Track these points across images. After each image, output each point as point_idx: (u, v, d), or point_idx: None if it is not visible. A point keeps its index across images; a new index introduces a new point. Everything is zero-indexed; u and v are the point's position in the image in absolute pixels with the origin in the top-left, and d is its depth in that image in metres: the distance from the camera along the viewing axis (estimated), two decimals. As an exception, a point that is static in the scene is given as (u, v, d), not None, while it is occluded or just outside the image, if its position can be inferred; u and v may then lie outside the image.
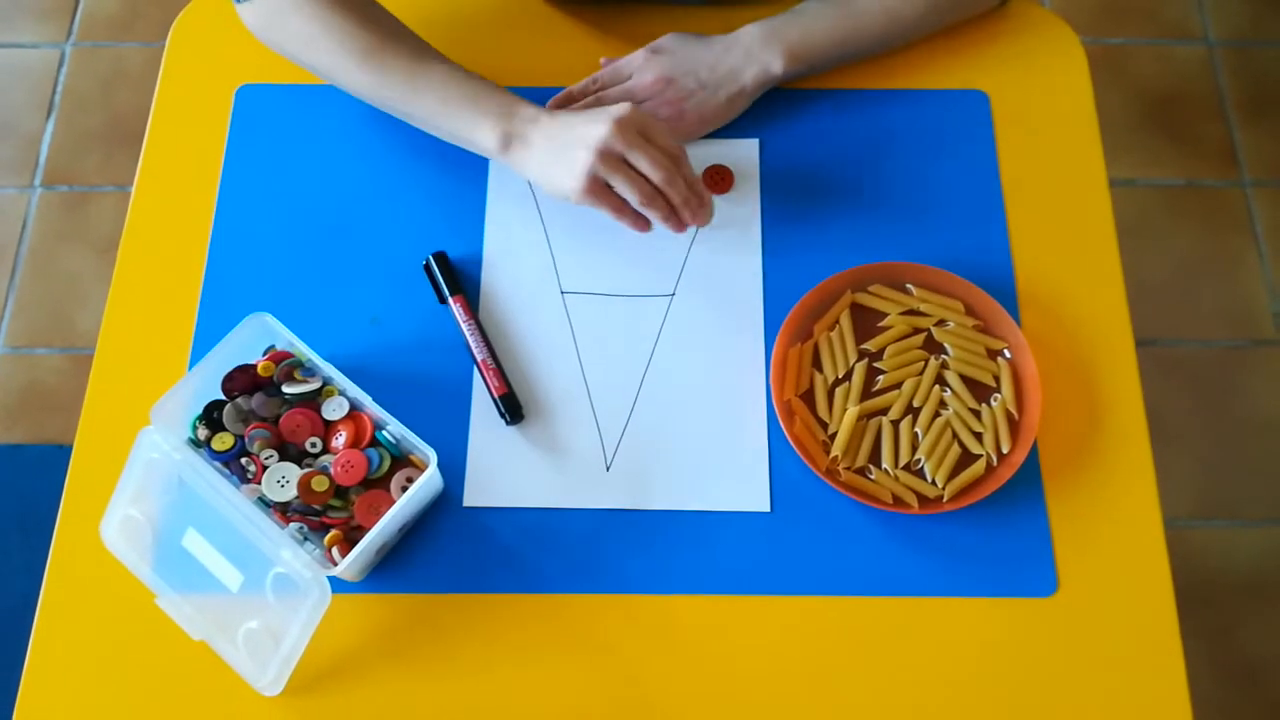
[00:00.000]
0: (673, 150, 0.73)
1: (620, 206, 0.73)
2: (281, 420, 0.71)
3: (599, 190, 0.72)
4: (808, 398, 0.75)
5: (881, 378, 0.75)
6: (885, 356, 0.75)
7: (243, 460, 0.70)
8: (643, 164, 0.71)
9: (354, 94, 0.78)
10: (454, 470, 0.73)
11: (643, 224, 0.75)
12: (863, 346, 0.76)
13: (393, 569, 0.70)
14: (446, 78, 0.75)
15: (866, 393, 0.75)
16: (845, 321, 0.76)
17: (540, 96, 0.82)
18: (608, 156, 0.70)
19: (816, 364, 0.76)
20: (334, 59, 0.76)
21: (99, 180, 1.58)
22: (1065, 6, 1.71)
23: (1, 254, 1.54)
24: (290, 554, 0.64)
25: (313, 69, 0.79)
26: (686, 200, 0.73)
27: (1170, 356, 1.48)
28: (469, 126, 0.74)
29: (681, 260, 0.79)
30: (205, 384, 0.71)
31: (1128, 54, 1.68)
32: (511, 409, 0.74)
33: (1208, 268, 1.54)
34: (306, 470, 0.70)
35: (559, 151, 0.72)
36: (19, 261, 1.53)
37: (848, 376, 0.75)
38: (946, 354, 0.76)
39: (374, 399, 0.70)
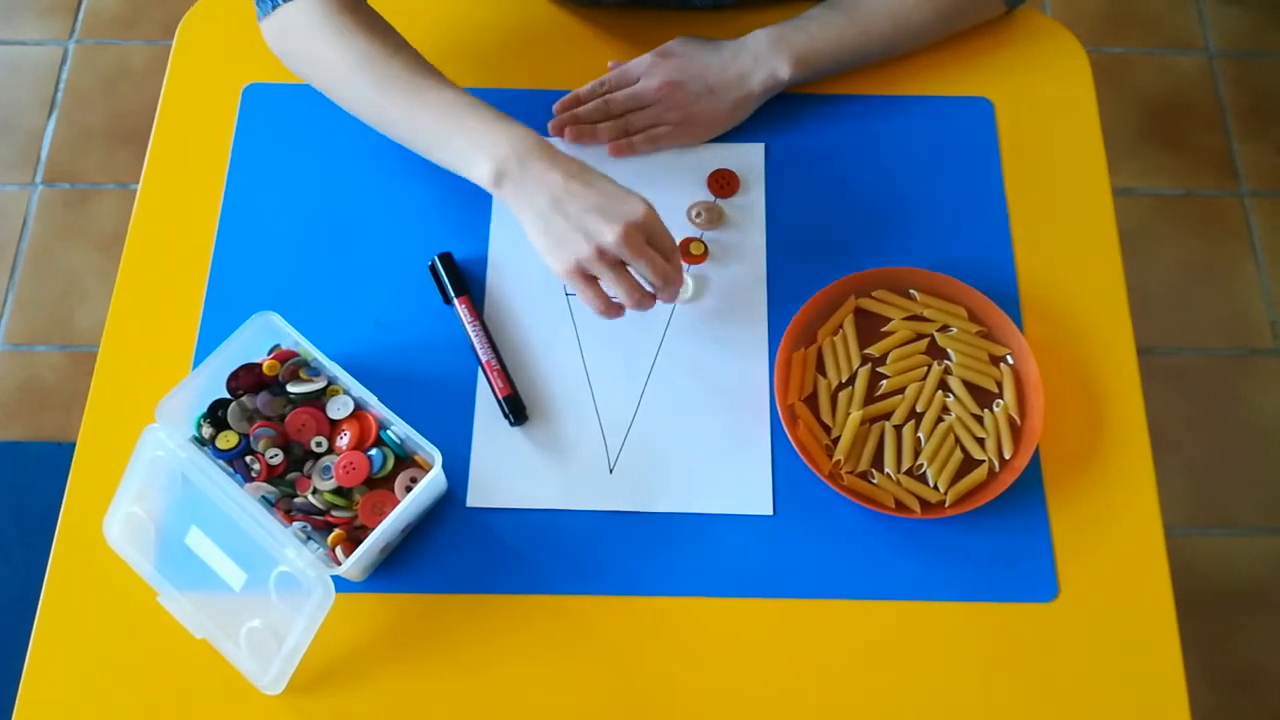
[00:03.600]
0: (669, 249, 0.70)
1: (599, 298, 0.70)
2: (286, 419, 0.72)
3: (584, 280, 0.69)
4: (811, 402, 0.75)
5: (885, 382, 0.75)
6: (888, 361, 0.76)
7: (247, 459, 0.70)
8: (641, 270, 0.69)
9: (357, 113, 0.77)
10: (457, 471, 0.73)
11: (616, 313, 0.71)
12: (866, 351, 0.76)
13: (396, 569, 0.70)
14: (452, 98, 0.72)
15: (870, 397, 0.75)
16: (849, 326, 0.76)
17: (547, 99, 0.83)
18: (605, 257, 0.68)
19: (820, 368, 0.76)
20: (338, 73, 0.75)
21: (100, 178, 1.58)
22: (1066, 15, 1.72)
23: (2, 251, 1.53)
24: (294, 553, 0.64)
25: (321, 86, 0.78)
26: (670, 295, 0.71)
27: (1168, 365, 1.48)
28: (467, 147, 0.71)
29: (686, 264, 0.80)
30: (210, 382, 0.71)
31: (1128, 63, 1.68)
32: (515, 410, 0.74)
33: (1206, 277, 1.54)
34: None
35: (558, 224, 0.68)
36: (19, 259, 1.53)
37: (851, 381, 0.75)
38: (949, 359, 0.76)
39: (379, 399, 0.70)
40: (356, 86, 0.75)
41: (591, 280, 0.69)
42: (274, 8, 0.77)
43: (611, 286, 0.69)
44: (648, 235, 0.68)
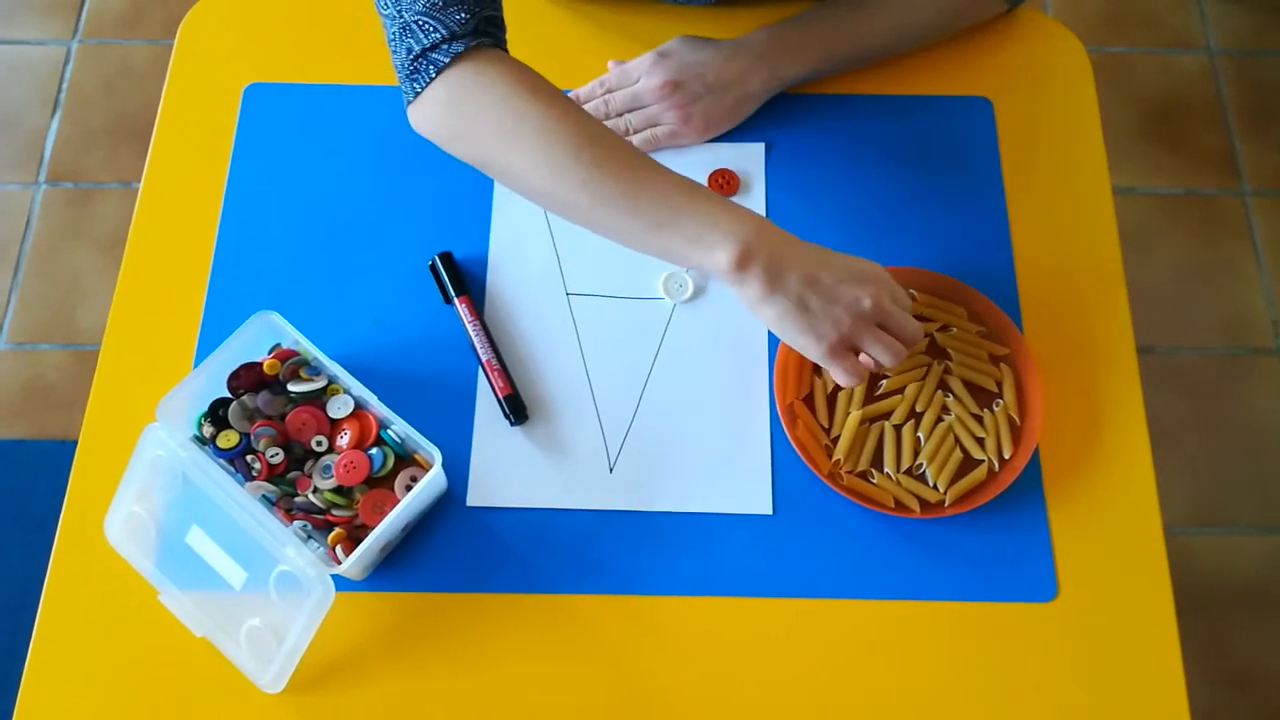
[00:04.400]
0: (906, 304, 0.69)
1: (857, 367, 0.67)
2: (287, 418, 0.72)
3: (846, 352, 0.66)
4: (810, 401, 0.75)
5: (884, 382, 0.75)
6: (888, 361, 0.76)
7: (247, 458, 0.71)
8: (896, 326, 0.67)
9: (540, 201, 0.69)
10: (458, 470, 0.73)
11: (865, 377, 0.68)
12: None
13: (396, 568, 0.71)
14: (676, 180, 0.66)
15: (869, 397, 0.75)
16: None
17: (547, 99, 0.83)
18: (864, 324, 0.66)
19: (818, 368, 0.76)
20: (535, 157, 0.66)
21: (103, 177, 1.58)
22: (1067, 15, 1.71)
23: (5, 250, 1.54)
24: (294, 552, 0.64)
25: (499, 170, 0.69)
26: (909, 350, 0.69)
27: (1169, 364, 1.48)
28: (702, 228, 0.65)
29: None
30: (211, 381, 0.71)
31: (1129, 63, 1.68)
32: (516, 409, 0.74)
33: (1206, 276, 1.54)
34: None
35: (815, 303, 0.65)
36: (22, 258, 1.53)
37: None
38: (949, 359, 0.76)
39: (379, 398, 0.70)
40: (560, 163, 0.65)
41: (851, 352, 0.67)
42: (438, 72, 0.65)
43: (874, 349, 0.67)
44: (893, 296, 0.67)
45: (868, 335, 0.66)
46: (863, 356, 0.68)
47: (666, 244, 0.66)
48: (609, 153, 0.66)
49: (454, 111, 0.67)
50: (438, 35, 0.65)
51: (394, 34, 0.67)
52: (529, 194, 0.69)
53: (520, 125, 0.65)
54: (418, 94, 0.67)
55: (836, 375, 0.67)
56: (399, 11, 0.66)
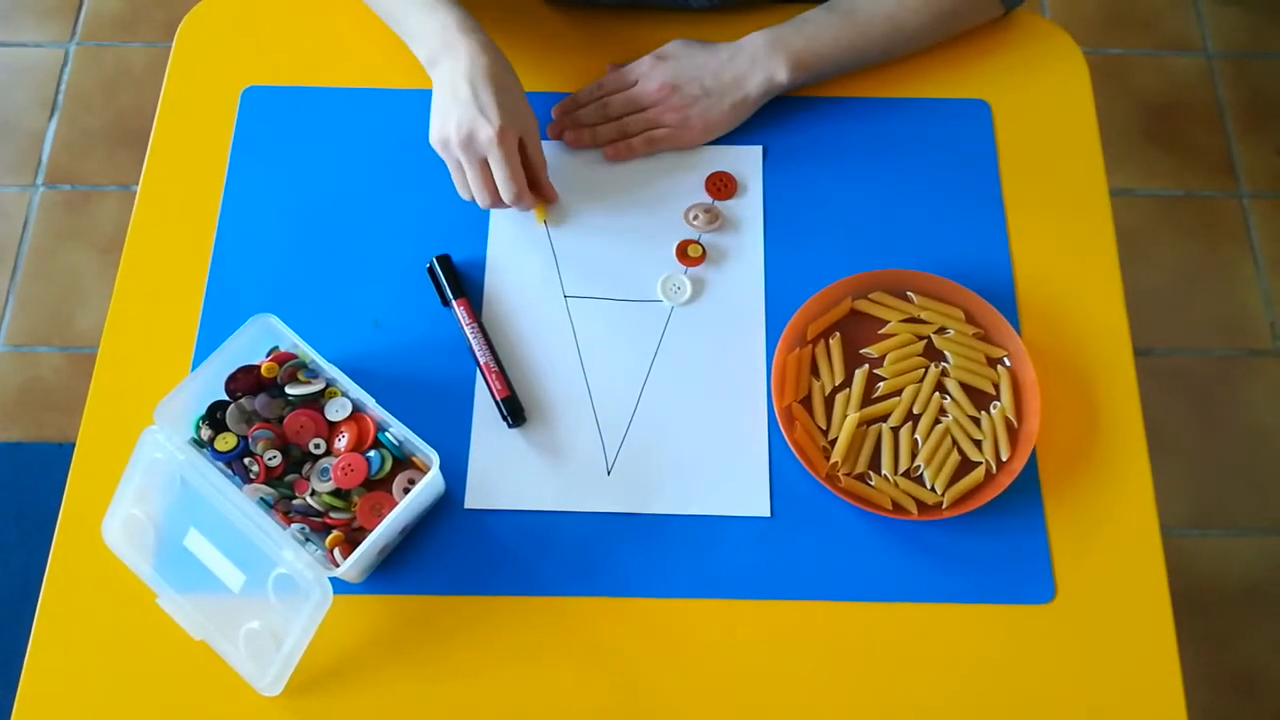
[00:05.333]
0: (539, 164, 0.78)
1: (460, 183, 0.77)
2: (285, 421, 0.72)
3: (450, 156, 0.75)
4: (808, 404, 0.75)
5: (882, 384, 0.75)
6: (886, 363, 0.76)
7: (245, 461, 0.71)
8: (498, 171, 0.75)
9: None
10: (455, 472, 0.73)
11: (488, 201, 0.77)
12: (863, 352, 0.76)
13: (394, 571, 0.71)
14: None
15: (867, 399, 0.75)
16: (835, 344, 0.76)
17: (545, 102, 0.83)
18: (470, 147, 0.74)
19: (815, 371, 0.76)
20: None
21: (101, 180, 1.58)
22: (1064, 16, 1.72)
23: (3, 252, 1.54)
24: (292, 555, 0.64)
25: None
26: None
27: (1166, 366, 1.48)
28: (416, 34, 0.77)
29: (684, 266, 0.80)
30: (209, 384, 0.71)
31: (1127, 64, 1.69)
32: (514, 412, 0.74)
33: (1204, 278, 1.55)
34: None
35: (449, 105, 0.74)
36: (20, 260, 1.53)
37: (848, 383, 0.75)
38: (947, 361, 0.76)
39: (377, 401, 0.70)
40: None
41: (456, 163, 0.75)
42: None
43: (471, 179, 0.75)
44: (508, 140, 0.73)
45: (470, 162, 0.74)
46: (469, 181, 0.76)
47: (410, 45, 0.79)
48: None
49: None
50: None
51: None
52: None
53: None
54: None
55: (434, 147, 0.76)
56: None
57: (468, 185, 0.77)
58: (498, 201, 0.76)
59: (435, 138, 0.75)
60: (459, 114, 0.73)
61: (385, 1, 0.80)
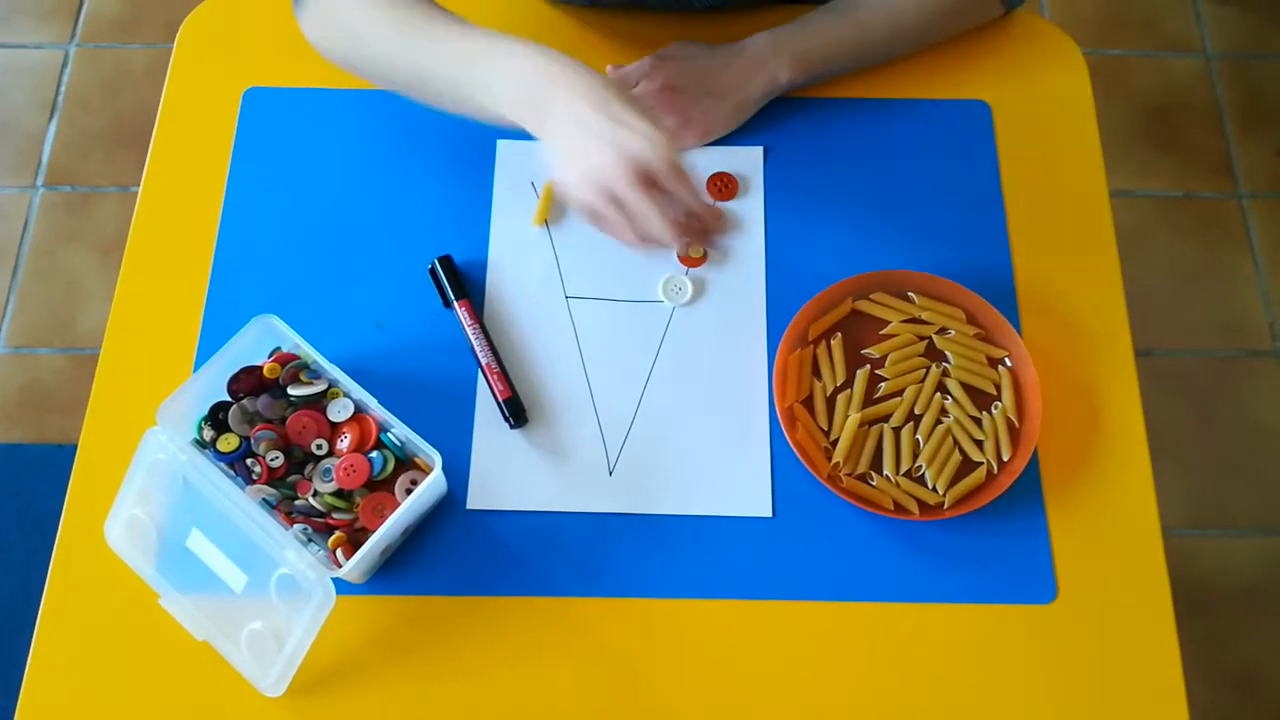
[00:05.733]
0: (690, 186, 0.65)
1: (601, 214, 0.64)
2: (287, 422, 0.72)
3: (595, 188, 0.63)
4: (810, 404, 0.75)
5: (883, 385, 0.75)
6: (887, 364, 0.76)
7: (248, 461, 0.71)
8: (674, 193, 0.63)
9: (377, 71, 0.74)
10: (457, 473, 0.73)
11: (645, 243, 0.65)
12: (865, 352, 0.76)
13: (396, 571, 0.71)
14: (474, 36, 0.68)
15: (868, 400, 0.75)
16: (836, 344, 0.76)
17: (546, 102, 0.83)
18: (633, 166, 0.61)
19: (816, 372, 0.76)
20: (365, 16, 0.71)
21: (101, 181, 1.58)
22: (1064, 17, 1.72)
23: (3, 254, 1.54)
24: (295, 555, 0.64)
25: (360, 59, 0.74)
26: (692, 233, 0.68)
27: (1166, 367, 1.49)
28: (490, 82, 0.66)
29: (685, 267, 0.80)
30: (211, 385, 0.71)
31: (1126, 65, 1.69)
32: (515, 413, 0.74)
33: (1204, 279, 1.55)
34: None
35: (594, 120, 0.62)
36: (20, 261, 1.53)
37: (849, 383, 0.76)
38: (948, 362, 0.76)
39: (379, 401, 0.70)
40: (387, 41, 0.70)
41: (608, 199, 0.62)
42: None
43: (631, 215, 0.62)
44: (669, 152, 0.62)
45: (628, 195, 0.61)
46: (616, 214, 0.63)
47: (471, 100, 0.68)
48: (416, 18, 0.69)
49: (320, 29, 0.76)
50: None
51: None
52: (386, 83, 0.74)
53: (363, 24, 0.72)
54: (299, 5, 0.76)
55: (574, 199, 0.63)
56: None
57: (634, 228, 0.63)
58: (683, 232, 0.64)
59: (583, 186, 0.62)
60: (605, 143, 0.61)
61: (435, 75, 0.69)
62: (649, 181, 0.62)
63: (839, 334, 0.77)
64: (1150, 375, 1.47)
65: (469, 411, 0.75)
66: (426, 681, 0.68)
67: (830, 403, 0.75)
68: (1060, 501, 0.73)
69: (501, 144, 0.83)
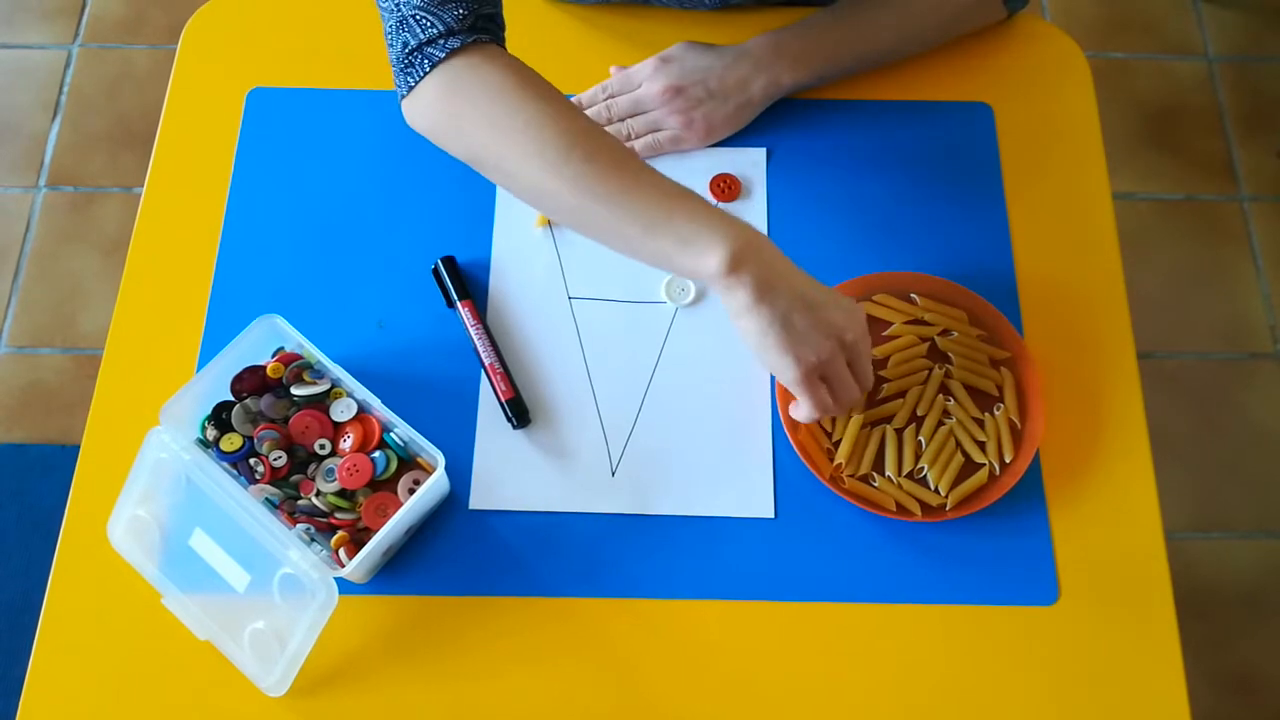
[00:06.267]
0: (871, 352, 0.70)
1: (825, 405, 0.67)
2: (290, 421, 0.72)
3: (816, 382, 0.66)
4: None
5: (885, 386, 0.75)
6: (889, 365, 0.76)
7: (251, 461, 0.71)
8: (864, 369, 0.68)
9: (530, 198, 0.68)
10: (460, 473, 0.73)
11: (823, 414, 0.68)
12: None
13: (399, 571, 0.71)
14: (667, 186, 0.64)
15: (871, 401, 0.75)
16: None
17: (550, 104, 0.83)
18: (840, 357, 0.65)
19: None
20: (527, 151, 0.64)
21: (104, 181, 1.59)
22: (1066, 20, 1.72)
23: (5, 254, 1.54)
24: (298, 555, 0.64)
25: (491, 166, 0.67)
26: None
27: (1167, 369, 1.49)
28: (693, 235, 0.63)
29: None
30: (214, 385, 0.72)
31: (1128, 68, 1.69)
32: (518, 413, 0.74)
33: (1205, 281, 1.55)
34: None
35: (800, 320, 0.63)
36: (23, 261, 1.54)
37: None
38: (950, 363, 0.76)
39: (382, 401, 0.70)
40: (551, 159, 0.64)
41: (822, 383, 0.66)
42: (432, 66, 0.65)
43: (840, 385, 0.66)
44: (866, 334, 0.67)
45: (841, 370, 0.66)
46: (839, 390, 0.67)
47: (657, 246, 0.64)
48: (602, 151, 0.64)
49: (447, 105, 0.66)
50: (435, 30, 0.65)
51: (391, 27, 0.68)
52: (520, 191, 0.68)
53: (513, 120, 0.64)
54: (412, 88, 0.67)
55: (801, 405, 0.67)
56: (397, 5, 0.67)
57: (829, 400, 0.66)
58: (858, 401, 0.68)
59: (803, 368, 0.64)
60: (818, 323, 0.63)
61: (628, 220, 0.64)
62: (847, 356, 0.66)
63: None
64: (1152, 378, 1.47)
65: (472, 412, 0.75)
66: (429, 681, 0.68)
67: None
68: (1062, 503, 0.73)
69: (505, 145, 0.83)
